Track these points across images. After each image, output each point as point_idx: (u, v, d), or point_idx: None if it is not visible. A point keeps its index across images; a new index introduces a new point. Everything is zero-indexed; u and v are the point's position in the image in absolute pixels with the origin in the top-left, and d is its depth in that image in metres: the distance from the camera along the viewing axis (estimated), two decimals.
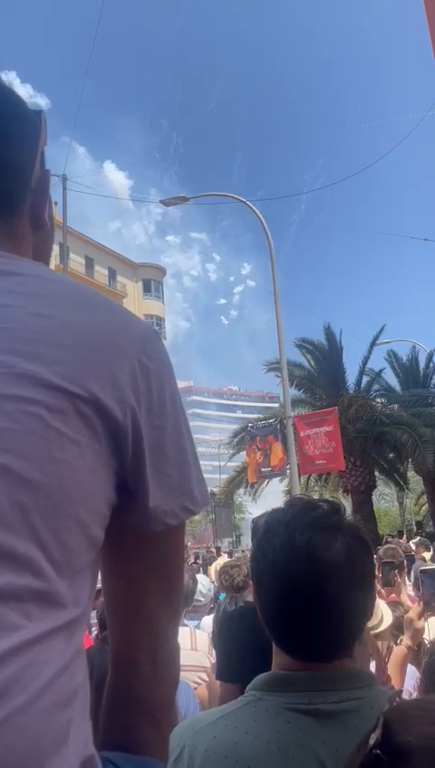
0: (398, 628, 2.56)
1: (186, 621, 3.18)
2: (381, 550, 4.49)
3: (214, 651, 2.69)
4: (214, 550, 15.77)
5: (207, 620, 3.97)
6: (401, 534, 17.29)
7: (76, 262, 33.51)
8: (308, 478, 20.20)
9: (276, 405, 33.42)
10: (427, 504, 24.75)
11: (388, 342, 21.61)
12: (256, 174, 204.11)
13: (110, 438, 0.59)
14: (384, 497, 38.77)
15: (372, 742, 0.59)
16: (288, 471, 13.04)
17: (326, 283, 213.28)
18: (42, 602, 0.51)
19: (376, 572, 3.34)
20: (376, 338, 19.55)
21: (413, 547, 9.80)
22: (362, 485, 19.15)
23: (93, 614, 2.95)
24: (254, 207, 13.24)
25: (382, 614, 2.51)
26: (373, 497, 21.67)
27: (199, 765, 0.90)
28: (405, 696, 2.15)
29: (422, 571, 2.28)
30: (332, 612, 0.93)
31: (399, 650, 2.31)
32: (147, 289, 41.25)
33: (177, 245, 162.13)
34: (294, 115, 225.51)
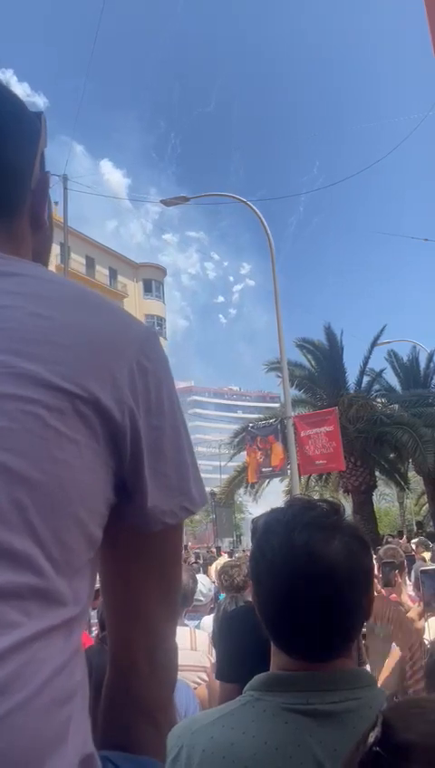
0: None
1: (186, 621, 3.17)
2: (381, 550, 4.49)
3: (214, 651, 2.69)
4: (214, 550, 15.79)
5: (208, 620, 3.97)
6: (401, 534, 17.29)
7: (77, 262, 33.50)
8: (308, 478, 20.20)
9: (277, 405, 33.44)
10: (427, 505, 24.72)
11: (388, 342, 21.66)
12: (255, 174, 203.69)
13: (108, 438, 0.59)
14: (385, 497, 38.74)
15: (371, 740, 0.60)
16: (289, 471, 13.04)
17: (326, 283, 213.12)
18: (41, 600, 0.51)
19: (376, 572, 3.34)
20: (377, 338, 19.61)
21: (414, 547, 9.82)
22: (363, 485, 19.15)
23: (93, 614, 2.95)
24: (255, 208, 13.26)
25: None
26: (374, 497, 21.67)
27: (197, 765, 0.90)
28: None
29: (422, 572, 2.29)
30: (330, 612, 0.93)
31: (395, 652, 2.31)
32: (147, 289, 41.21)
33: (174, 244, 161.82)
34: (294, 115, 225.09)
